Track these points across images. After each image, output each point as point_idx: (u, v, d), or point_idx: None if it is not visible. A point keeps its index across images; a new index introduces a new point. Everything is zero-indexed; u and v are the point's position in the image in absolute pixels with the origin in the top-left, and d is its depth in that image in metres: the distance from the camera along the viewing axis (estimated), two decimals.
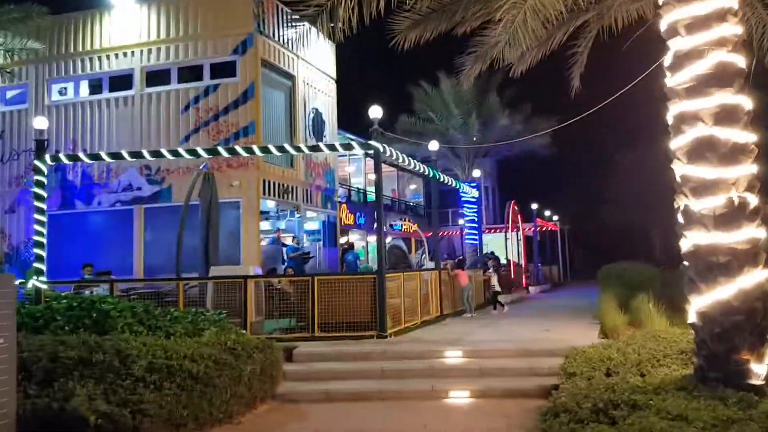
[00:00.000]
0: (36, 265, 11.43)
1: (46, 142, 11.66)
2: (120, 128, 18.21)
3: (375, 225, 28.11)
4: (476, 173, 23.69)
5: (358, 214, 27.05)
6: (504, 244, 27.27)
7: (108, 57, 18.54)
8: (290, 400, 8.56)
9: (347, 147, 12.92)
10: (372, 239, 27.00)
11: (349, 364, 9.64)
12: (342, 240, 22.21)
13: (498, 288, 16.97)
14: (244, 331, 9.90)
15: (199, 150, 12.05)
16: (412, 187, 38.91)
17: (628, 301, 13.03)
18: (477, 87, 26.27)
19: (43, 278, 11.43)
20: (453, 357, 9.47)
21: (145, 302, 10.22)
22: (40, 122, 11.91)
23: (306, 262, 17.94)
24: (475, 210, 26.22)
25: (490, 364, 9.04)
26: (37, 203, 11.63)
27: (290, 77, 19.17)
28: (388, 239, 25.78)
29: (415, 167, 13.36)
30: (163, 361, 7.08)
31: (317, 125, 20.48)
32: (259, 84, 17.28)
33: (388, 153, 11.73)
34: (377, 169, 11.97)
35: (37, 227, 11.59)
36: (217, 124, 17.38)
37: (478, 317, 14.97)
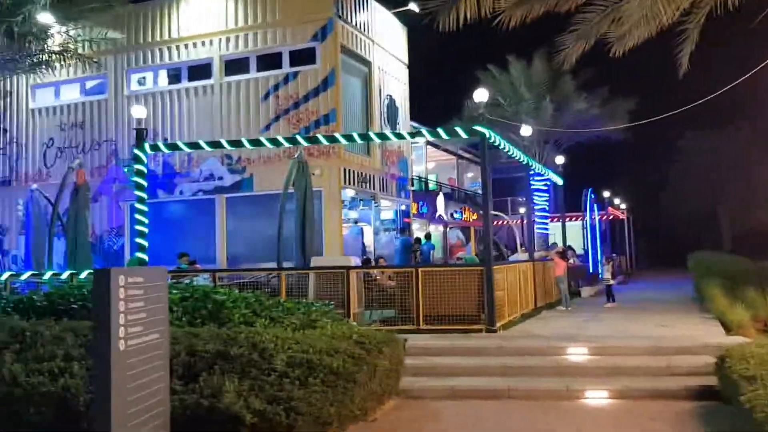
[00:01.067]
0: (138, 254, 11.40)
1: (145, 131, 11.57)
2: (199, 118, 18.18)
3: (437, 214, 27.99)
4: (559, 159, 23.00)
5: (420, 203, 26.73)
6: (581, 234, 26.57)
7: (186, 46, 18.51)
8: (414, 396, 8.28)
9: (452, 133, 12.47)
10: (433, 228, 26.65)
11: (467, 359, 9.31)
12: (397, 229, 21.96)
13: (612, 281, 16.13)
14: (354, 323, 9.69)
15: (298, 138, 11.80)
16: (469, 175, 38.32)
17: (735, 294, 12.39)
18: (550, 70, 25.58)
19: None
20: (577, 354, 9.05)
21: (251, 293, 10.09)
22: (139, 111, 11.85)
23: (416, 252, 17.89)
24: (546, 199, 25.58)
25: (621, 362, 8.60)
26: (137, 192, 11.58)
27: (366, 63, 18.87)
28: (433, 229, 25.44)
29: (515, 155, 12.87)
30: (302, 355, 6.86)
31: (391, 112, 20.15)
32: (339, 70, 17.02)
33: (492, 139, 11.30)
34: (483, 157, 11.52)
35: (138, 216, 11.54)
36: (297, 113, 17.20)
37: (575, 310, 14.47)
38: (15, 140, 20.53)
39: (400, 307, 11.30)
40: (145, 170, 11.64)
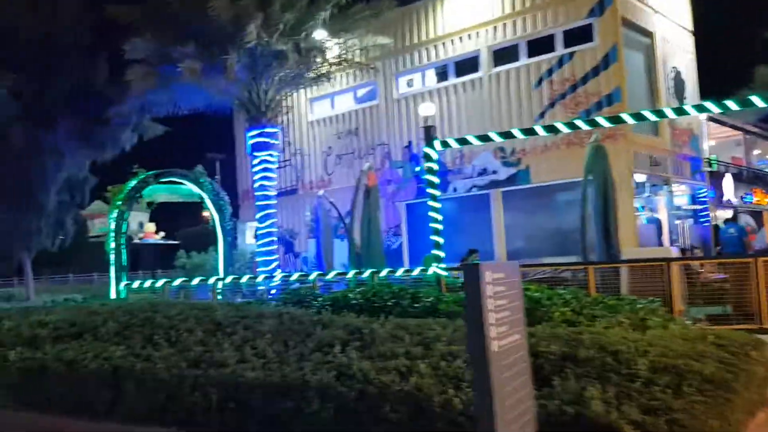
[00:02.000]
0: (434, 252, 11.20)
1: (433, 129, 11.37)
2: (469, 113, 17.91)
3: (724, 198, 24.72)
4: None
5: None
6: None
7: (452, 42, 18.37)
8: None
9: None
10: (720, 213, 23.56)
11: None
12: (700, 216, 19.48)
13: None
14: (687, 321, 8.41)
15: (600, 120, 10.66)
16: (756, 152, 33.59)
17: None
18: None
19: (443, 265, 11.17)
20: None
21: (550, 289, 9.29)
22: (427, 109, 11.77)
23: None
24: None
25: None
26: (430, 190, 11.39)
27: (648, 34, 17.07)
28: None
29: None
30: (664, 359, 5.87)
31: (678, 86, 18.05)
32: (621, 45, 15.55)
33: None
34: None
35: (432, 214, 11.34)
36: (575, 96, 16.07)
37: None
38: (299, 151, 22.15)
39: (734, 303, 9.69)
40: (437, 167, 11.42)
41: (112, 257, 14.22)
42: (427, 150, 11.30)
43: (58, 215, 18.68)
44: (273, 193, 17.10)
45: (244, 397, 6.27)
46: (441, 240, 11.25)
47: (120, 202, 14.45)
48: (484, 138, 10.85)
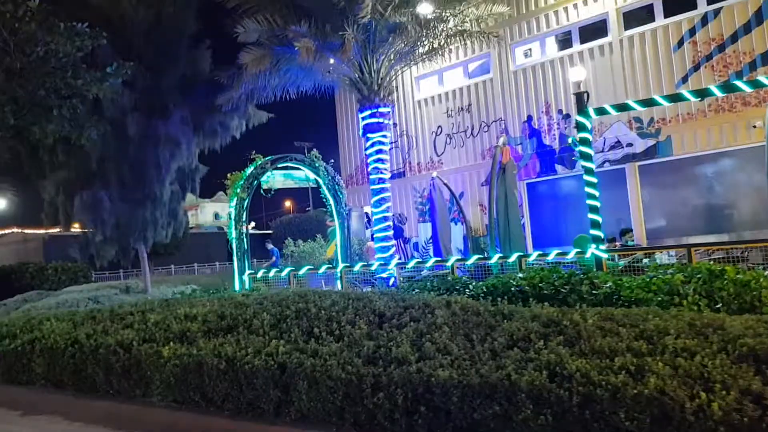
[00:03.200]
0: (592, 231, 10.09)
1: (586, 95, 10.22)
2: (597, 80, 16.52)
3: None
4: None
5: None
6: None
7: (576, 6, 16.98)
8: None
9: None
10: None
11: None
12: None
13: None
14: None
15: (740, 85, 9.24)
16: None
17: None
18: None
19: (603, 247, 10.03)
20: None
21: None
22: (577, 73, 10.60)
23: None
24: None
25: None
26: (584, 163, 10.28)
27: None
28: None
29: None
30: None
31: None
32: None
33: None
34: None
35: (588, 189, 10.24)
36: (722, 57, 14.44)
37: None
38: (405, 132, 21.32)
39: None
40: (591, 137, 10.29)
41: (234, 246, 13.84)
42: (580, 118, 10.18)
43: (170, 205, 18.57)
44: (387, 175, 16.33)
45: (438, 400, 5.46)
46: (599, 218, 10.12)
47: (239, 189, 14.03)
48: (646, 102, 9.62)
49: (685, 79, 14.88)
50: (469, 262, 11.36)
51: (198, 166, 19.16)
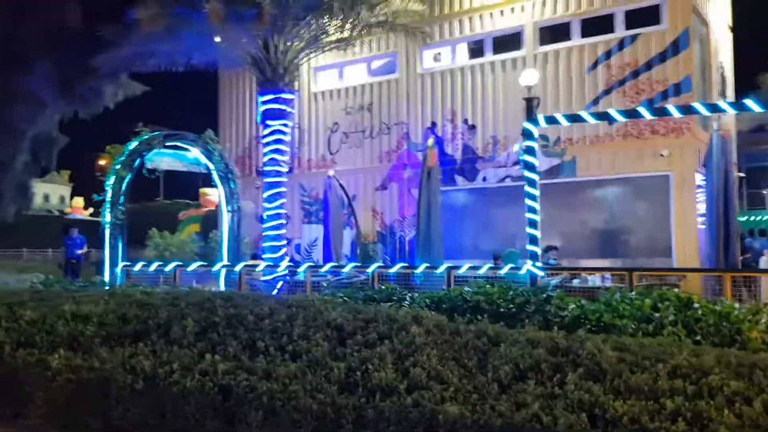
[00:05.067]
0: (529, 247, 9.48)
1: (536, 101, 9.64)
2: (507, 95, 16.23)
3: None
4: None
5: None
6: None
7: (491, 15, 16.60)
8: None
9: None
10: None
11: None
12: None
13: None
14: None
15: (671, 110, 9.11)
16: None
17: None
18: None
19: (538, 264, 9.43)
20: None
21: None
22: (529, 77, 10.00)
23: None
24: None
25: None
26: (527, 173, 9.68)
27: (705, 24, 15.87)
28: None
29: None
30: None
31: (723, 83, 17.00)
32: (693, 31, 14.22)
33: None
34: None
35: (528, 202, 9.63)
36: (636, 83, 14.61)
37: None
38: (298, 125, 19.93)
39: None
40: (536, 146, 9.72)
41: (108, 233, 11.82)
42: (528, 125, 9.58)
43: (20, 178, 15.86)
44: (285, 168, 15.00)
45: None
46: (537, 233, 9.53)
47: (119, 166, 12.03)
48: (602, 116, 9.19)
49: (596, 102, 14.94)
50: (393, 270, 10.34)
51: (58, 135, 16.57)
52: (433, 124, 17.24)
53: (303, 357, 5.39)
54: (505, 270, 9.81)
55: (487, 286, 7.85)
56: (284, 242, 15.06)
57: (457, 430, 4.38)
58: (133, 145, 12.23)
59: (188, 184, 44.98)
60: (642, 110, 9.10)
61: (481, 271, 9.74)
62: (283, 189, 14.98)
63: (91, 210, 67.26)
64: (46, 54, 14.92)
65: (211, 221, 23.35)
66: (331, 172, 16.46)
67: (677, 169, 13.93)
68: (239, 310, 6.37)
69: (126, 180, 12.12)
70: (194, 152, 13.63)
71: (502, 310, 7.32)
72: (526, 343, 5.46)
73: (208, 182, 31.82)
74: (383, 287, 8.65)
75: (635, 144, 14.29)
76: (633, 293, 7.58)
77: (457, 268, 9.87)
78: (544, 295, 7.33)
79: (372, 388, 4.84)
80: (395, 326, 5.94)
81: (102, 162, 61.86)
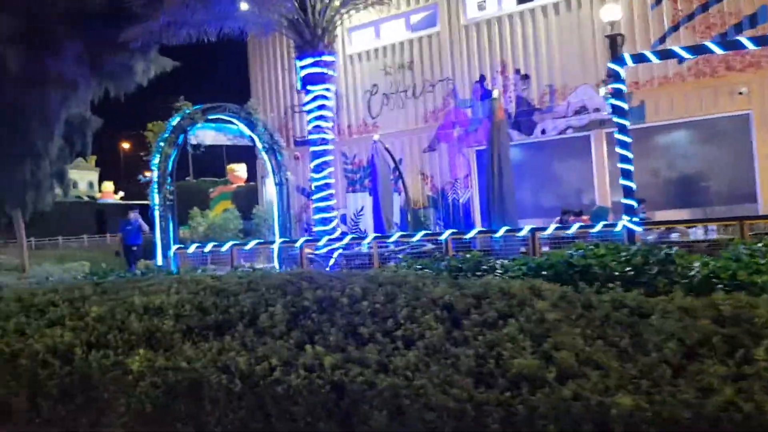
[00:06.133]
0: (624, 200, 8.57)
1: (621, 38, 8.64)
2: (563, 39, 15.13)
3: None
4: None
5: None
6: None
7: None
8: None
9: None
10: None
11: None
12: None
13: None
14: None
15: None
16: None
17: None
18: None
19: (636, 219, 8.54)
20: None
21: None
22: (611, 12, 8.98)
23: None
24: None
25: None
26: (616, 119, 8.72)
27: None
28: None
29: None
30: None
31: None
32: None
33: None
34: None
35: (619, 150, 8.68)
36: (706, 17, 13.46)
37: None
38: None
39: None
40: (624, 89, 8.73)
41: (157, 215, 11.16)
42: (614, 66, 8.57)
43: (57, 165, 15.27)
44: (330, 136, 14.20)
45: None
46: (632, 185, 8.60)
47: (163, 143, 11.31)
48: (700, 49, 8.17)
49: (662, 40, 13.81)
50: (469, 235, 9.53)
51: (91, 117, 15.91)
52: (482, 77, 16.24)
53: (418, 344, 4.61)
54: (597, 228, 8.92)
55: (591, 247, 6.97)
56: (335, 213, 14.33)
57: (635, 426, 3.60)
58: (176, 120, 11.49)
59: (214, 161, 44.37)
60: (743, 40, 8.05)
61: (571, 231, 8.86)
62: (330, 157, 14.22)
63: (121, 194, 67.43)
64: (74, 32, 14.18)
65: (240, 197, 22.76)
66: (376, 137, 15.62)
67: (758, 107, 12.83)
68: (328, 292, 5.60)
69: (172, 158, 11.44)
70: (237, 125, 12.86)
71: (616, 273, 6.44)
72: (681, 313, 4.62)
73: (233, 158, 31.14)
74: (467, 255, 7.83)
75: (709, 83, 13.19)
76: (761, 244, 6.65)
77: (543, 229, 9.02)
78: (663, 254, 6.43)
79: (513, 378, 4.06)
80: (513, 302, 5.14)
81: (125, 145, 61.56)
